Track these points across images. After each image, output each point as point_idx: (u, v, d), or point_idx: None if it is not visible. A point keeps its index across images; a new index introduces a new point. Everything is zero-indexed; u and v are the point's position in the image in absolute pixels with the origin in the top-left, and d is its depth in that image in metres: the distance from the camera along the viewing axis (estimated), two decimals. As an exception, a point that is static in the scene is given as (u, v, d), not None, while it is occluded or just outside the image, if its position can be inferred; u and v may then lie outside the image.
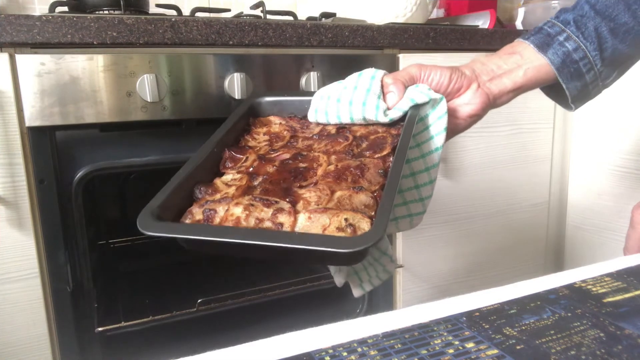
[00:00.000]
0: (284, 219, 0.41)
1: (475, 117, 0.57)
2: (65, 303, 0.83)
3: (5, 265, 0.78)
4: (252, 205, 0.42)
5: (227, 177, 0.49)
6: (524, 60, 0.57)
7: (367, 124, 0.53)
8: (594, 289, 0.32)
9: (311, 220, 0.40)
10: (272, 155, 0.51)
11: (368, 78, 0.53)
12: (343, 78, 0.55)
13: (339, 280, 0.61)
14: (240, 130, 0.56)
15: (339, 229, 0.39)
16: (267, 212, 0.41)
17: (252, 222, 0.41)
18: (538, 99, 1.20)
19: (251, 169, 0.49)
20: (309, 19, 1.08)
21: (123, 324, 0.90)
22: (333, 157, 0.49)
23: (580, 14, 0.57)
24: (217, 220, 0.42)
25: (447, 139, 0.56)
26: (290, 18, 1.15)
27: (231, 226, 0.41)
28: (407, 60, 1.01)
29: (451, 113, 0.55)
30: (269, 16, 1.08)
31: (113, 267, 1.23)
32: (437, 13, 1.52)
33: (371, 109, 0.51)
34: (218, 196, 0.46)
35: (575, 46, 0.55)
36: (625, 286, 0.32)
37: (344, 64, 0.94)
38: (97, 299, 0.92)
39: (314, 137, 0.54)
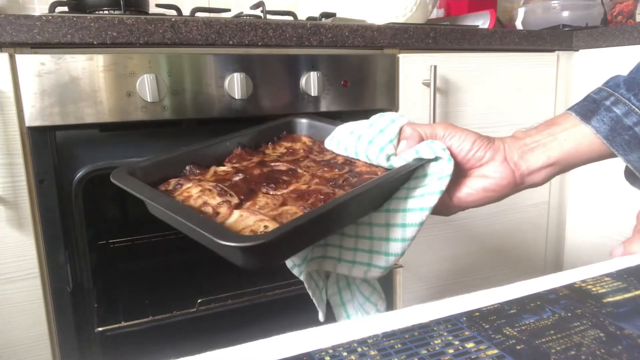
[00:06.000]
0: (223, 210, 0.42)
1: (491, 193, 0.51)
2: (65, 303, 0.83)
3: (5, 265, 0.78)
4: (210, 190, 0.44)
5: (222, 168, 0.51)
6: (561, 130, 0.50)
7: (370, 163, 0.51)
8: (594, 289, 0.32)
9: (242, 217, 0.41)
10: (271, 164, 0.52)
11: (388, 120, 0.51)
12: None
13: (320, 313, 0.59)
14: (266, 138, 0.58)
15: (253, 231, 0.39)
16: (216, 200, 0.43)
17: (199, 202, 0.43)
18: (538, 99, 1.20)
19: (241, 167, 0.51)
20: (309, 19, 1.08)
21: (123, 324, 0.90)
22: (316, 180, 0.49)
23: (634, 75, 0.48)
24: (178, 192, 0.45)
25: (453, 212, 0.52)
26: (290, 18, 1.15)
27: (165, 194, 0.44)
28: (407, 60, 1.01)
29: (463, 181, 0.51)
30: (269, 16, 1.08)
31: (113, 267, 1.23)
32: (437, 13, 1.53)
33: (375, 149, 0.50)
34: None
35: (626, 110, 0.47)
36: (625, 286, 0.32)
37: (344, 64, 0.94)
38: (97, 299, 0.92)
39: (322, 162, 0.53)
